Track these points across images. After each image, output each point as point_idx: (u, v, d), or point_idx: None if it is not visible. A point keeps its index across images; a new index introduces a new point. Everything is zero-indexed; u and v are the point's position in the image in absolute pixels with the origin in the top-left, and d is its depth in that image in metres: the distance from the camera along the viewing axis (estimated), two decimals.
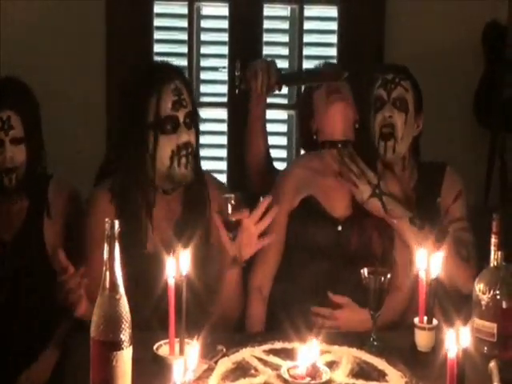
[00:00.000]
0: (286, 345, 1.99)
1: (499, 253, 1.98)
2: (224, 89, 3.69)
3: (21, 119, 2.44)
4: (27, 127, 2.45)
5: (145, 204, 2.32)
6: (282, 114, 3.77)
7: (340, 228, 2.44)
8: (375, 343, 2.04)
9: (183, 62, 3.62)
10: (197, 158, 2.37)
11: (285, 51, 3.71)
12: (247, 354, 1.94)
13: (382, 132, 2.58)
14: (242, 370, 1.86)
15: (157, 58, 3.51)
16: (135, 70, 2.47)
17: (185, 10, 3.64)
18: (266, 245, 2.30)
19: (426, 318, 2.01)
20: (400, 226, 2.41)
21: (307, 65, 3.65)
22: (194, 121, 2.34)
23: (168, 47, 3.70)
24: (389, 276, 2.06)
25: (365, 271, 2.07)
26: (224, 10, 3.66)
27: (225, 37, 3.67)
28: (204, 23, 3.71)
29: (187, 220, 2.35)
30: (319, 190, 2.50)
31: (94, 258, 2.15)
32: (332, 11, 3.70)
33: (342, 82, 2.57)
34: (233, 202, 2.20)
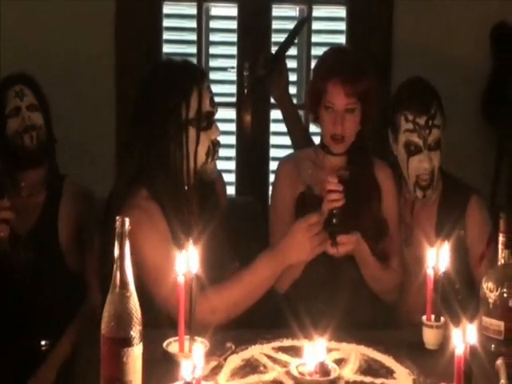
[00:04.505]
0: (295, 342, 2.00)
1: (507, 251, 1.98)
2: (233, 89, 3.71)
3: (33, 93, 2.56)
4: (39, 99, 2.58)
5: (186, 201, 2.29)
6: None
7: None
8: None
9: None
10: None
11: (293, 51, 3.72)
12: (256, 351, 1.95)
13: (419, 179, 2.54)
14: (251, 367, 1.87)
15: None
16: (159, 71, 2.38)
17: (194, 11, 3.67)
18: None
19: (433, 316, 2.02)
20: None
21: None
22: None
23: (177, 48, 3.72)
24: None
25: None
26: (233, 10, 3.69)
27: (233, 37, 3.69)
28: (213, 24, 3.73)
29: (203, 212, 2.34)
30: (316, 181, 2.49)
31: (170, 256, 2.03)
32: (340, 11, 3.72)
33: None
34: None
